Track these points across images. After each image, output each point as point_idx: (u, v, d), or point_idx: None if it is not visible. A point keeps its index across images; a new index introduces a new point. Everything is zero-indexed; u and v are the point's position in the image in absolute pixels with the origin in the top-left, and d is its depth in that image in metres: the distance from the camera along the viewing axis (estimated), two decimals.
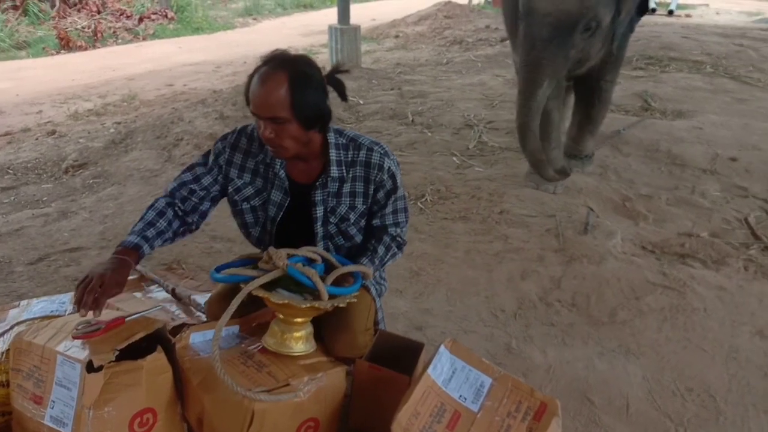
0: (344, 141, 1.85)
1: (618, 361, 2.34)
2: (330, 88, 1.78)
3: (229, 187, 1.90)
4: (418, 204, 3.71)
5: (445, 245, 3.23)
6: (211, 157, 1.89)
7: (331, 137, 1.83)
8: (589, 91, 3.94)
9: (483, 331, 2.51)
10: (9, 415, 1.70)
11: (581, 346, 2.43)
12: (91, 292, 1.53)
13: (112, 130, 5.46)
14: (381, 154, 1.86)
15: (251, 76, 1.69)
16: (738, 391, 2.21)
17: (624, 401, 2.11)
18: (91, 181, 4.27)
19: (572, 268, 2.96)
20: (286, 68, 1.65)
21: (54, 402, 1.52)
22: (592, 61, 3.56)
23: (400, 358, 1.86)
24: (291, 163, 1.87)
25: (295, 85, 1.64)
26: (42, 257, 3.06)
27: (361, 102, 6.11)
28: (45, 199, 3.99)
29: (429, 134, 5.08)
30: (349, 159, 1.85)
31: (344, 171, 1.84)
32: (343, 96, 1.84)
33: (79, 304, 1.52)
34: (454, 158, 4.52)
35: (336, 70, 1.81)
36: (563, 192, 3.81)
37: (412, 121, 5.47)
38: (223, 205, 1.97)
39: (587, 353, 2.38)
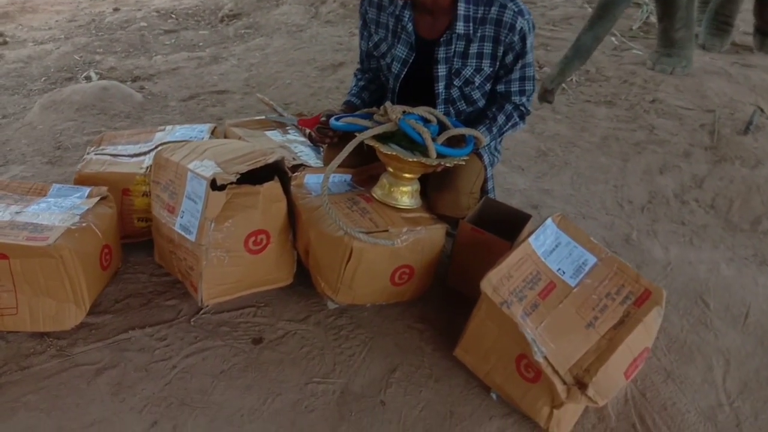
0: None
1: (748, 270, 2.14)
2: None
3: (369, 43, 1.90)
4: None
5: (581, 128, 3.03)
6: (360, 22, 1.91)
7: None
8: None
9: (603, 219, 2.39)
10: (151, 222, 1.94)
11: (709, 249, 2.24)
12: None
13: None
14: (515, 12, 1.71)
15: None
16: None
17: (744, 310, 1.95)
18: (242, 31, 4.46)
19: (720, 169, 2.67)
20: None
21: (183, 212, 1.70)
22: None
23: (505, 226, 1.84)
24: (419, 16, 1.79)
25: None
26: (193, 96, 3.31)
27: None
28: (201, 44, 4.25)
29: (589, 9, 4.60)
30: (480, 15, 1.73)
31: (471, 28, 1.73)
32: None
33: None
34: (613, 38, 4.11)
35: None
36: (729, 84, 3.36)
37: None
38: (351, 60, 1.97)
39: (714, 257, 2.19)
